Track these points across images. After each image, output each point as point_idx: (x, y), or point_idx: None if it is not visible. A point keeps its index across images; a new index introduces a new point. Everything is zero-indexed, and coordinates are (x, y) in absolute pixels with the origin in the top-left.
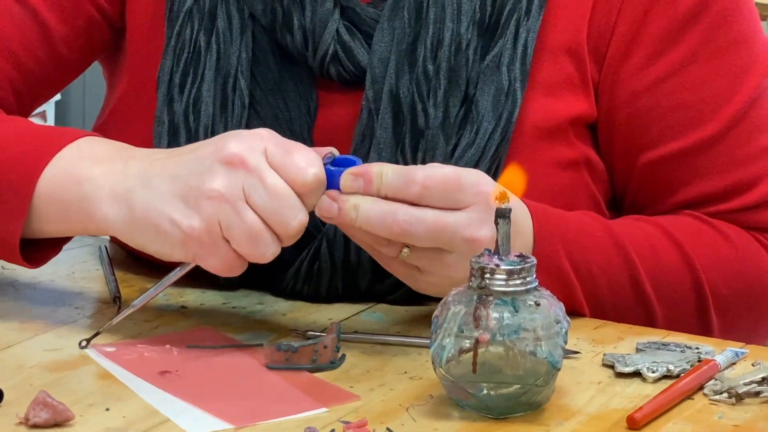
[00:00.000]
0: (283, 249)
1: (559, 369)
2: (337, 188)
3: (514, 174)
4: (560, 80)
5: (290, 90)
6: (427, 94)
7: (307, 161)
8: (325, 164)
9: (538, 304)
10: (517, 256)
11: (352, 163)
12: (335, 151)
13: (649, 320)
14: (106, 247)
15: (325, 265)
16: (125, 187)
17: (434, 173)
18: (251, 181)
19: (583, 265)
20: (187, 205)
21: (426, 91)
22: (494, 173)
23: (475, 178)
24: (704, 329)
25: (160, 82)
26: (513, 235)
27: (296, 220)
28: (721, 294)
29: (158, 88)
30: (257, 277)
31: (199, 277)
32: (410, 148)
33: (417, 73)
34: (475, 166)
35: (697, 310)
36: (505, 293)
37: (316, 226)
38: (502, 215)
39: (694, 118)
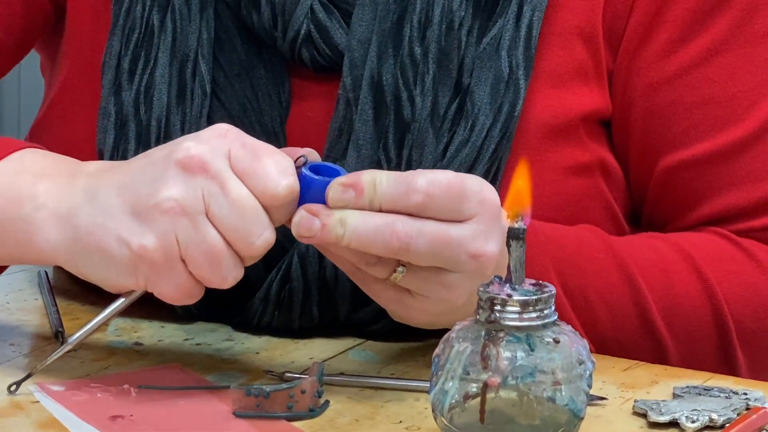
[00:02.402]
0: (249, 268)
1: (583, 418)
2: (316, 200)
3: (523, 180)
4: (571, 69)
5: (259, 76)
6: (414, 81)
7: (279, 169)
8: (299, 170)
9: (557, 342)
10: (533, 285)
11: (331, 172)
12: (314, 154)
13: (659, 357)
14: (46, 272)
15: (297, 284)
16: (70, 205)
17: (438, 179)
18: (212, 190)
19: (579, 291)
20: (138, 219)
21: (412, 77)
22: (494, 177)
23: (479, 185)
24: (728, 369)
25: (105, 68)
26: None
27: (261, 238)
28: (748, 328)
29: (104, 74)
30: (220, 305)
31: (155, 308)
32: (394, 143)
33: (402, 57)
34: (471, 168)
35: (719, 346)
36: (518, 328)
37: (287, 236)
38: (516, 236)
39: (723, 116)
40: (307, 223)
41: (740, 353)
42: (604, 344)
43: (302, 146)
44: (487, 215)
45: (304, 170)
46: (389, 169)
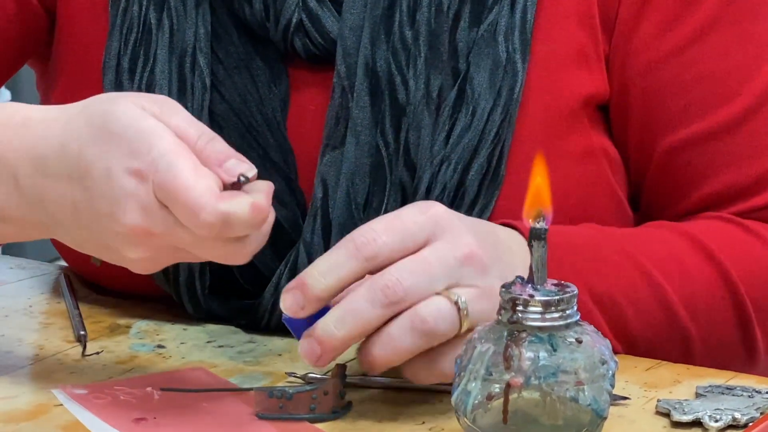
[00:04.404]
0: (260, 262)
1: (605, 418)
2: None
3: (543, 178)
4: (571, 53)
5: (258, 68)
6: (407, 64)
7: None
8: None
9: (579, 342)
10: (555, 285)
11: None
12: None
13: (685, 348)
14: (68, 276)
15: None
16: (36, 219)
17: (375, 235)
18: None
19: (606, 295)
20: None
21: (405, 60)
22: (497, 161)
23: (413, 208)
24: (748, 349)
25: (106, 69)
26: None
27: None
28: (764, 306)
29: (104, 75)
30: (230, 298)
31: (178, 311)
32: (392, 128)
33: (393, 41)
34: (474, 152)
35: (739, 327)
36: (540, 329)
37: (294, 226)
38: (537, 236)
39: (720, 92)
40: (309, 350)
41: (759, 332)
42: (633, 344)
43: (302, 136)
44: (438, 226)
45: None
46: (388, 153)
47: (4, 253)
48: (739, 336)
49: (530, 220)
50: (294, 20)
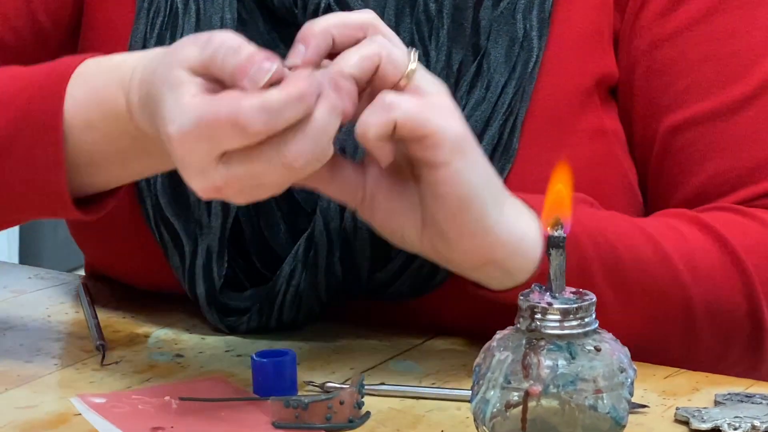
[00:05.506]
0: (276, 244)
1: (624, 426)
2: (268, 379)
3: (563, 184)
4: (585, 33)
5: (282, 54)
6: (429, 35)
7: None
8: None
9: (598, 350)
10: (573, 293)
11: (279, 354)
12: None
13: (686, 308)
14: (86, 285)
15: (321, 238)
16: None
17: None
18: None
19: (599, 234)
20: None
21: (427, 32)
22: (510, 133)
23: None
24: (755, 324)
25: (132, 51)
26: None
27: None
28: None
29: None
30: (249, 277)
31: (197, 321)
32: None
33: (417, 13)
34: (486, 124)
35: (745, 297)
36: (559, 337)
37: (307, 200)
38: (556, 245)
39: (725, 73)
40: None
41: (765, 307)
42: (630, 294)
43: None
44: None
45: (255, 357)
46: None
47: (22, 262)
48: (744, 307)
49: (548, 228)
50: (322, 4)
